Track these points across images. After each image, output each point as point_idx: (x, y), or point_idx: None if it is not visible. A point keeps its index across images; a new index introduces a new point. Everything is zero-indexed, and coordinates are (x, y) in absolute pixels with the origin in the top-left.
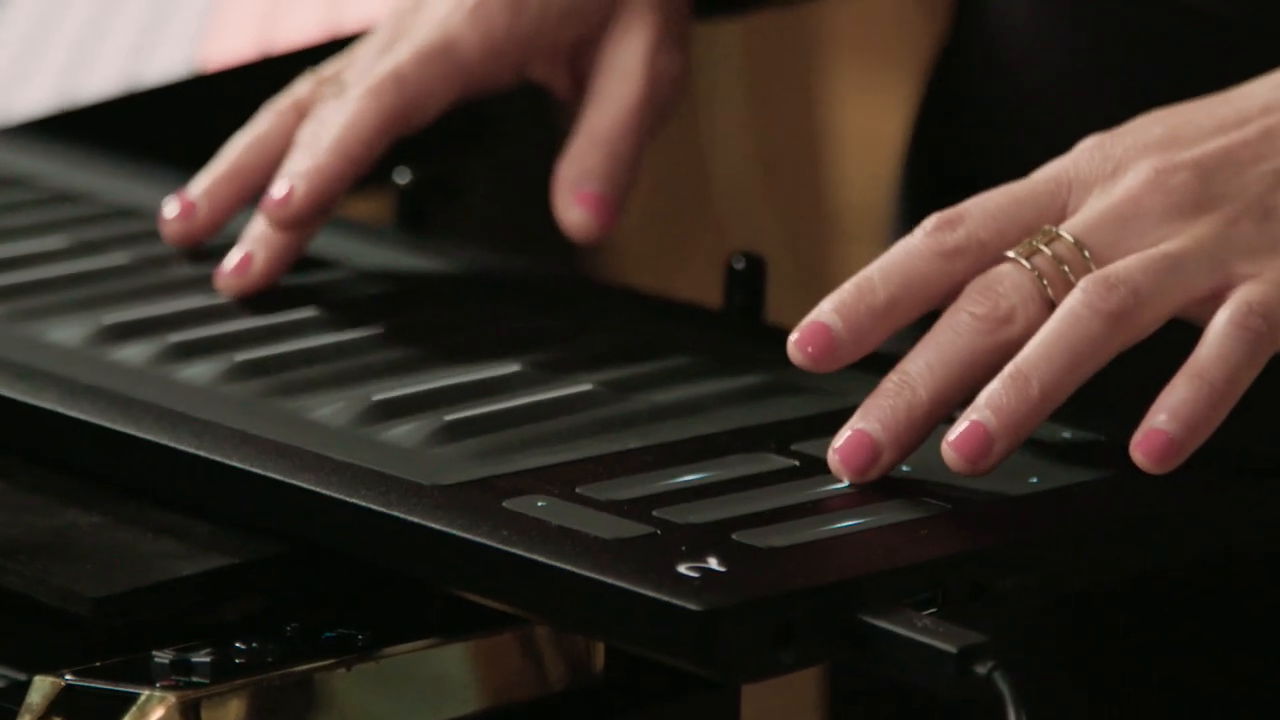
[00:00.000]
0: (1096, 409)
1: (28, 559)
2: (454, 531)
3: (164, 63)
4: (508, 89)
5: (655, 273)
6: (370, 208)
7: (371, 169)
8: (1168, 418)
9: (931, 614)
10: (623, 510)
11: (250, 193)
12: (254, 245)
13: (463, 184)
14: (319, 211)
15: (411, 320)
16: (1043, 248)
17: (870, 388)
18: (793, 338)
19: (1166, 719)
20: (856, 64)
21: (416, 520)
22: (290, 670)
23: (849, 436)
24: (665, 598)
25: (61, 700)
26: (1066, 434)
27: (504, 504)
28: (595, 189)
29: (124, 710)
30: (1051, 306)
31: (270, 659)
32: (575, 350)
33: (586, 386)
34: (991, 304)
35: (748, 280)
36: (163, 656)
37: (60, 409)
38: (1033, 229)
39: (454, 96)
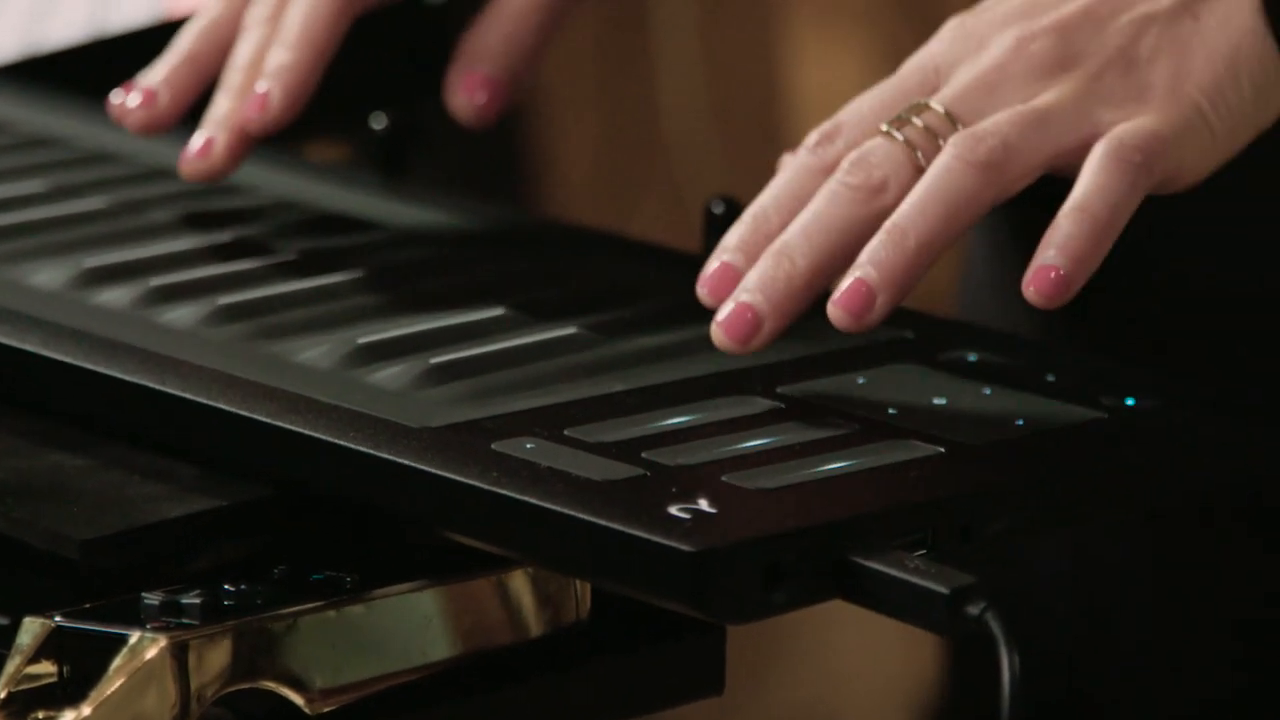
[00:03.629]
0: (1085, 352)
1: (14, 502)
2: (444, 473)
3: (129, 10)
4: None
5: (607, 217)
6: (346, 152)
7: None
8: (1055, 253)
9: (922, 555)
10: (612, 452)
11: (208, 78)
12: (215, 129)
13: (435, 129)
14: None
15: (394, 264)
16: (913, 119)
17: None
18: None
19: (1163, 664)
20: (814, 19)
21: (406, 462)
22: (279, 612)
23: (731, 309)
24: (657, 539)
25: (51, 642)
26: (1051, 377)
27: (493, 446)
28: (485, 70)
29: (114, 651)
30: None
31: (259, 601)
32: (558, 294)
33: (571, 330)
34: (865, 174)
35: (726, 224)
36: (152, 598)
37: (44, 352)
38: None
39: None
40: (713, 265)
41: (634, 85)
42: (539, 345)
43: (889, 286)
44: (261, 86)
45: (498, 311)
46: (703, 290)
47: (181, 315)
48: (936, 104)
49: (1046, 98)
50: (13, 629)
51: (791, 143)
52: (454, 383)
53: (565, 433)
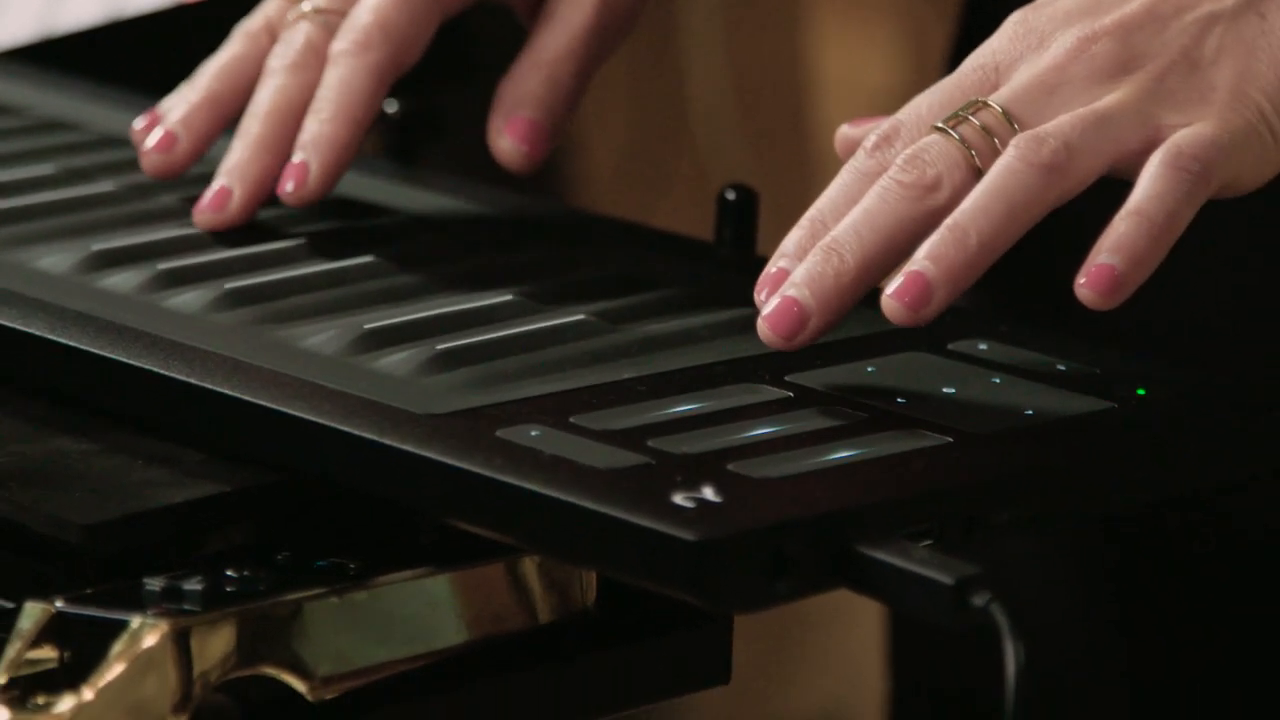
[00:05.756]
0: (1093, 342)
1: (17, 487)
2: (447, 460)
3: None
4: (476, 5)
5: (633, 206)
6: None
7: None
8: (1110, 252)
9: (927, 546)
10: (617, 440)
11: (227, 119)
12: (231, 179)
13: (449, 116)
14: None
15: (402, 250)
16: (970, 118)
17: (863, 317)
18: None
19: (1167, 658)
20: (841, 11)
21: (410, 449)
22: (281, 599)
23: (777, 303)
24: (661, 527)
25: (52, 626)
26: (1062, 366)
27: (497, 433)
28: (529, 115)
29: (115, 637)
30: (978, 174)
31: (262, 587)
32: (567, 281)
33: (579, 316)
34: (919, 172)
35: (739, 212)
36: (154, 584)
37: (49, 335)
38: None
39: (435, 29)
40: (770, 270)
41: (660, 77)
42: (547, 332)
43: (947, 282)
44: (298, 157)
45: (505, 297)
46: (760, 295)
47: (188, 300)
48: (994, 103)
49: (1109, 100)
50: (14, 613)
51: (819, 135)
52: (460, 369)
53: (571, 420)
